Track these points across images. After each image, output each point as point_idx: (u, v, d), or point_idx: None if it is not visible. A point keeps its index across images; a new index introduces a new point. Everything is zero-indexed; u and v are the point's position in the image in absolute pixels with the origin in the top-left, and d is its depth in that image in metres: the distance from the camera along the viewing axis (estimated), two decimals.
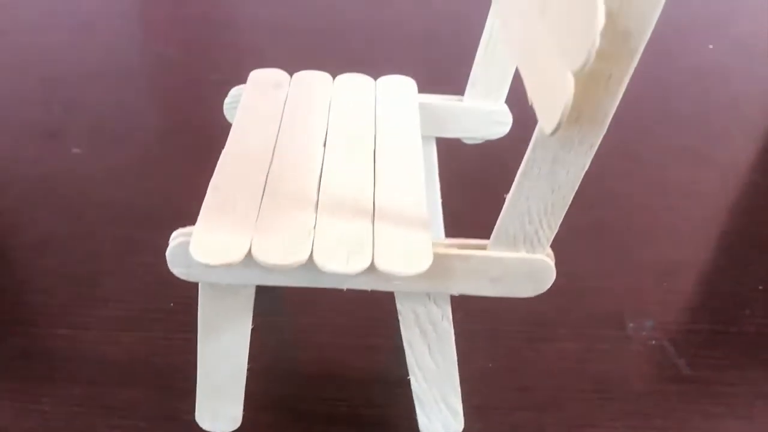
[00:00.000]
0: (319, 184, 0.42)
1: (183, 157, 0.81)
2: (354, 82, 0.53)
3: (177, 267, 0.39)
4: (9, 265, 0.66)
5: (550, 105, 0.31)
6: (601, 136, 0.33)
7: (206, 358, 0.44)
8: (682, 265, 0.69)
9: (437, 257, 0.38)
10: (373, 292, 0.40)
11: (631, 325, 0.62)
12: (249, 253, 0.36)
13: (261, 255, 0.36)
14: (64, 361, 0.57)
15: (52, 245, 0.67)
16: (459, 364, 0.45)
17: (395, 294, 0.41)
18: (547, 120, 0.31)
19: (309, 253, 0.36)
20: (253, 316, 0.43)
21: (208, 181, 0.41)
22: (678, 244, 0.72)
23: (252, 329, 0.43)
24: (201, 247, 0.36)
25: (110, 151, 0.81)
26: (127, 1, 1.21)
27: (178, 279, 0.40)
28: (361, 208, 0.40)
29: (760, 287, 0.67)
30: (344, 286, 0.39)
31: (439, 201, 0.59)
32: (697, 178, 0.82)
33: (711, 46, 1.15)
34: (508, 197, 0.36)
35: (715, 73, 1.08)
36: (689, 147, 0.88)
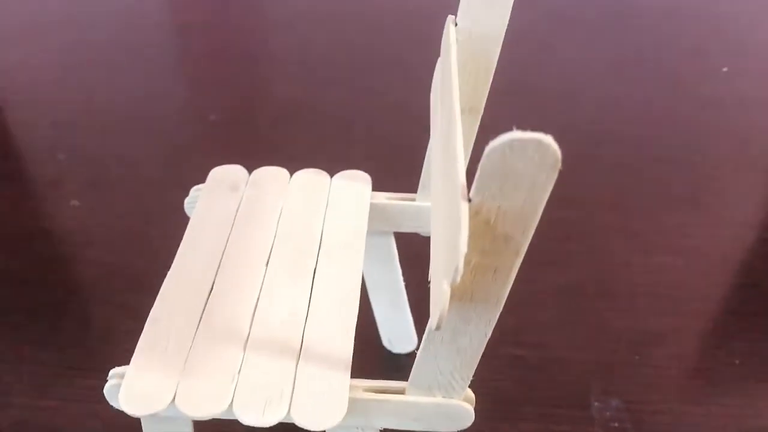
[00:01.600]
0: (253, 314, 0.43)
1: (175, 213, 0.83)
2: (309, 181, 0.54)
3: (114, 402, 0.41)
4: None
5: (434, 303, 0.32)
6: (498, 313, 0.34)
7: None
8: (658, 335, 0.69)
9: (356, 402, 0.39)
10: None
11: (596, 404, 0.62)
12: (173, 401, 0.38)
13: (183, 406, 0.38)
14: None
15: (42, 311, 0.71)
16: None
17: None
18: (432, 315, 0.32)
19: (229, 403, 0.38)
20: None
21: None
22: (656, 310, 0.71)
23: None
24: (129, 395, 0.39)
25: (108, 204, 0.84)
26: (139, 34, 1.23)
27: None
28: (289, 346, 0.41)
29: (737, 362, 0.66)
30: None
31: (402, 286, 0.60)
32: (687, 232, 0.81)
33: (725, 69, 1.11)
34: (419, 354, 0.37)
35: (726, 102, 1.05)
36: (684, 194, 0.86)
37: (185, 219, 0.51)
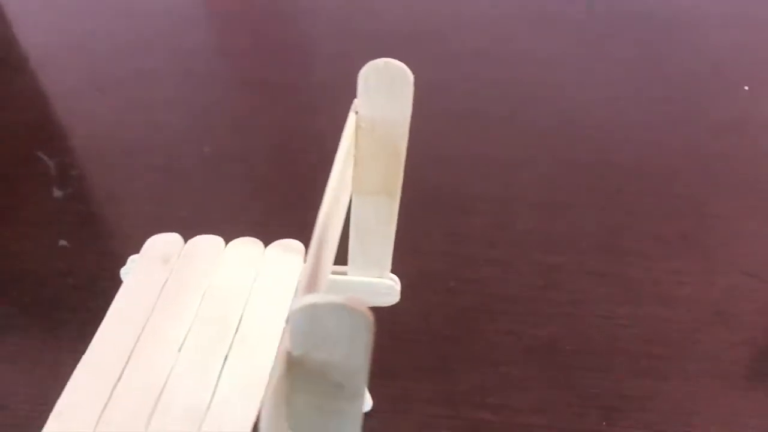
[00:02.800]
0: (154, 409, 0.43)
1: None
2: (241, 253, 0.53)
3: None
4: None
5: None
6: None
7: None
8: (632, 400, 0.65)
9: None
10: None
11: None
12: None
13: None
14: None
15: (22, 358, 0.73)
16: None
17: None
18: None
19: None
20: None
21: None
22: (634, 370, 0.67)
23: None
24: None
25: (95, 245, 0.86)
26: (152, 58, 1.25)
27: None
28: None
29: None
30: None
31: None
32: (681, 279, 0.76)
33: (746, 88, 1.04)
34: None
35: (744, 126, 0.97)
36: (684, 236, 0.81)
37: None
